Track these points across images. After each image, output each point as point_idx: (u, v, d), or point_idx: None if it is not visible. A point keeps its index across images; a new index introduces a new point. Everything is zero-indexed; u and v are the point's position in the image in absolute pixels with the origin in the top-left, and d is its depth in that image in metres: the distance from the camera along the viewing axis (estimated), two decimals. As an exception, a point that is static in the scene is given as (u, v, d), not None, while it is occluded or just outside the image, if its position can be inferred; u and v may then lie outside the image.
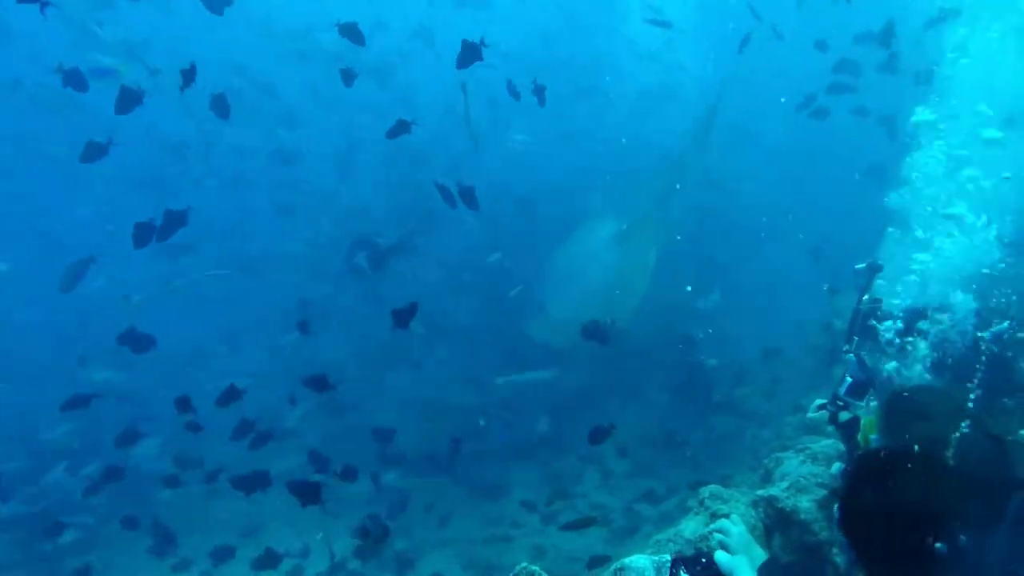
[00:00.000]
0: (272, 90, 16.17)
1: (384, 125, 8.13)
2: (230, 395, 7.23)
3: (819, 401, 4.61)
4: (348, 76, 8.86)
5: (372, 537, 6.82)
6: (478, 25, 17.68)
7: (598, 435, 7.09)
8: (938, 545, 2.14)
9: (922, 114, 5.73)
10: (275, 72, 16.90)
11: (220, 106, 8.24)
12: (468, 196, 8.41)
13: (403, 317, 6.46)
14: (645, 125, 16.06)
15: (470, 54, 7.18)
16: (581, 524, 7.39)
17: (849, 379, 4.45)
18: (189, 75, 6.91)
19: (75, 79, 7.79)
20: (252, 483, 7.02)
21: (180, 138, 16.33)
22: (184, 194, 16.16)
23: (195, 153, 16.32)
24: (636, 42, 17.78)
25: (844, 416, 4.39)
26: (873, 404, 4.46)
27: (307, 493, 6.35)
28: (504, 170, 14.86)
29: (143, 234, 6.90)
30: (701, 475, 9.04)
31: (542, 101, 8.73)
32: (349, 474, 7.72)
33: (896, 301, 4.84)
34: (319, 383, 7.08)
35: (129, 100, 7.39)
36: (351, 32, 8.09)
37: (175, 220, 6.99)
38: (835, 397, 4.46)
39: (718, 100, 13.74)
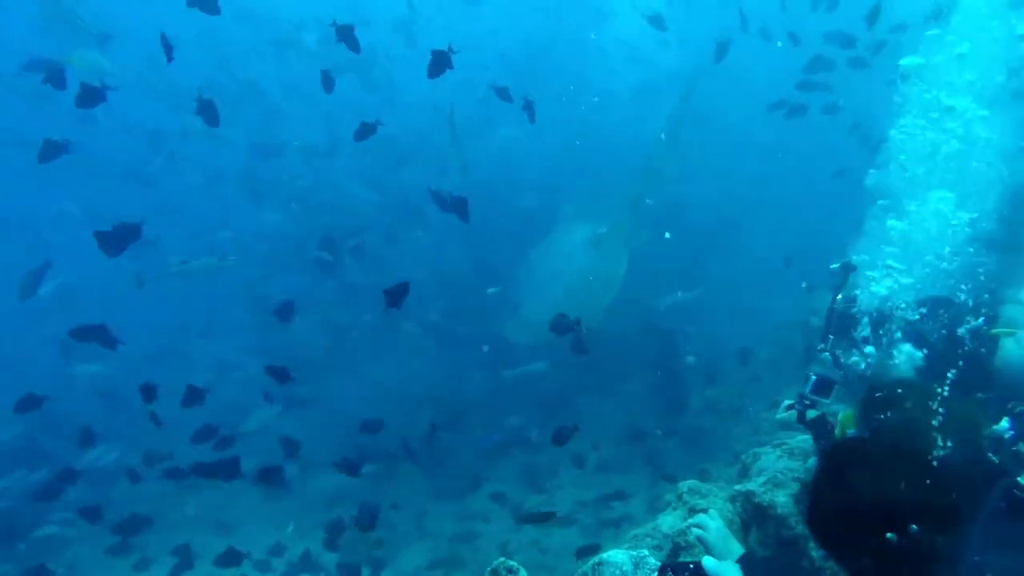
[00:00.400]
0: (254, 84, 16.06)
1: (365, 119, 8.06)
2: (192, 396, 7.05)
3: (787, 402, 4.65)
4: (328, 80, 8.67)
5: (360, 524, 6.73)
6: (469, 21, 17.80)
7: (562, 436, 7.06)
8: (889, 535, 2.13)
9: (911, 60, 5.65)
10: (257, 65, 16.81)
11: (208, 112, 7.85)
12: (460, 207, 8.32)
13: (395, 297, 6.38)
14: (632, 124, 16.10)
15: (440, 63, 7.01)
16: (540, 518, 7.34)
17: (814, 377, 4.50)
18: (166, 46, 6.76)
19: (55, 76, 7.55)
20: (217, 471, 6.83)
21: (157, 128, 16.22)
22: (162, 186, 16.21)
23: (172, 144, 16.18)
24: (626, 42, 17.89)
25: (811, 414, 4.45)
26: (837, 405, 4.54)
27: (270, 477, 6.22)
28: (488, 166, 14.91)
29: (107, 243, 6.65)
30: (678, 470, 9.08)
31: (532, 117, 8.67)
32: (350, 466, 7.61)
33: (871, 272, 4.84)
34: (280, 374, 7.02)
35: (90, 96, 7.17)
36: (346, 35, 7.84)
37: (128, 233, 6.70)
38: (801, 396, 4.52)
39: (685, 101, 13.88)
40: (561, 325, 8.11)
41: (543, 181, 15.18)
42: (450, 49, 6.91)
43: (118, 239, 6.61)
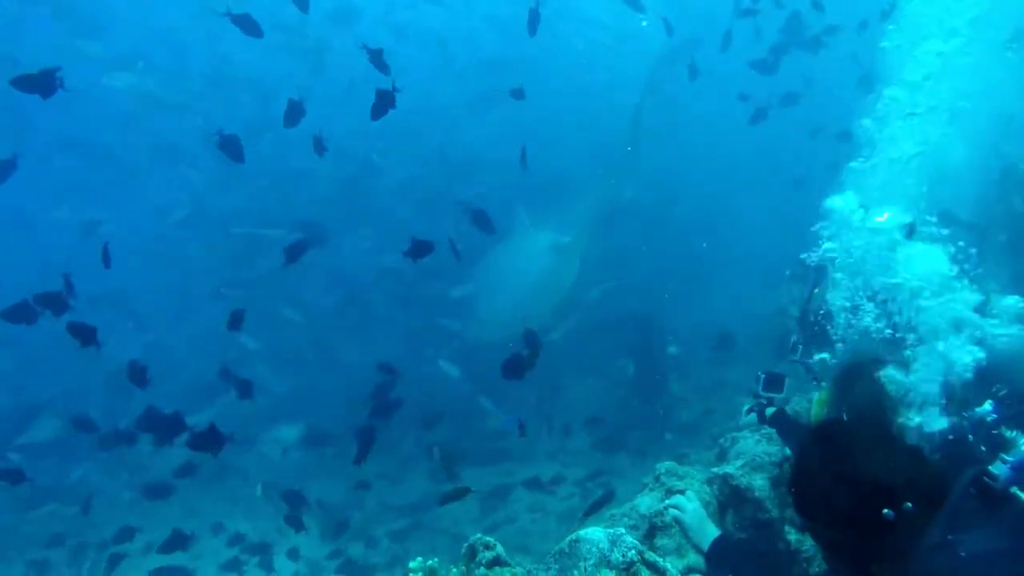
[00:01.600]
0: (255, 84, 15.88)
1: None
2: (136, 374, 6.72)
3: (746, 407, 4.71)
4: (295, 112, 8.10)
5: (358, 457, 6.63)
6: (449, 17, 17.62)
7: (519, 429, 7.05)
8: (885, 511, 2.14)
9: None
10: (259, 64, 16.58)
11: (231, 147, 7.42)
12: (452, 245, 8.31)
13: (419, 251, 6.48)
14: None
15: (384, 103, 6.51)
16: (456, 495, 7.27)
17: (763, 375, 4.61)
18: None
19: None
20: (160, 428, 6.58)
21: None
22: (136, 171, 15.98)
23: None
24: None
25: (770, 411, 4.52)
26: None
27: (211, 440, 5.99)
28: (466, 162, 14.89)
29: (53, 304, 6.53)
30: (655, 453, 9.10)
31: (524, 165, 8.62)
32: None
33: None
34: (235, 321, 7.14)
35: (33, 85, 6.91)
36: (377, 59, 7.41)
37: (56, 302, 6.50)
38: (756, 396, 4.60)
39: (642, 99, 14.07)
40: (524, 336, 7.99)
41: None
42: (394, 88, 6.49)
43: (55, 304, 6.47)
